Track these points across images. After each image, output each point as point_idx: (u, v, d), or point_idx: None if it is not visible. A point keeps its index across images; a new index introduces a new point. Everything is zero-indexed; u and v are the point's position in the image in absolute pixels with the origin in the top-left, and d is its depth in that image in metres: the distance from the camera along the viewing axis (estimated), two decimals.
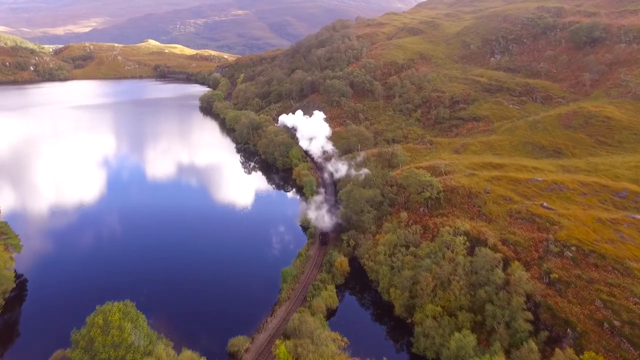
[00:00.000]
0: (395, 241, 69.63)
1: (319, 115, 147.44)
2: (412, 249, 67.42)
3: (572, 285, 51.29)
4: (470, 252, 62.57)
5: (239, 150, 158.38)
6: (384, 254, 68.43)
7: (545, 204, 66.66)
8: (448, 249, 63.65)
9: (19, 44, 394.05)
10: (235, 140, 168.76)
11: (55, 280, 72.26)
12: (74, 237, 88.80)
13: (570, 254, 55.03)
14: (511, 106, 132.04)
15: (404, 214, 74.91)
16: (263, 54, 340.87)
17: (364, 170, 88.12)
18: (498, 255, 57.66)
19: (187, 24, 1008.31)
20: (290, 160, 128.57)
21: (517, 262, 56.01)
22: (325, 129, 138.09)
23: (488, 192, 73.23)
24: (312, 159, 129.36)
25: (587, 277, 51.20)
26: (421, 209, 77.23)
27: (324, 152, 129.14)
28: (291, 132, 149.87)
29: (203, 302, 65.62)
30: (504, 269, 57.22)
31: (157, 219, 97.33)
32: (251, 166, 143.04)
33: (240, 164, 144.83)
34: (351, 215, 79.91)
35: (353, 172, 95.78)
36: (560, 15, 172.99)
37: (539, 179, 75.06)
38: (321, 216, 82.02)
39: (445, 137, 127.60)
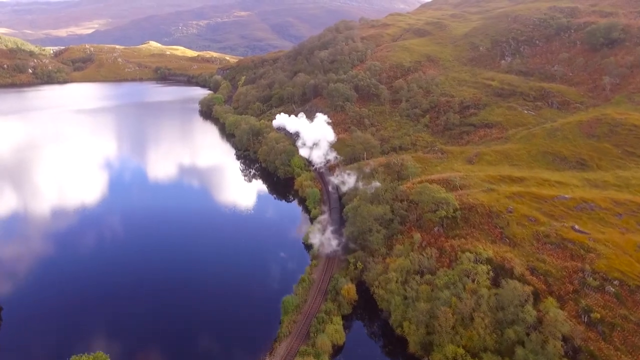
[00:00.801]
0: (408, 266, 62.71)
1: (321, 118, 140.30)
2: (427, 276, 60.50)
3: (618, 328, 44.31)
4: (494, 282, 55.68)
5: (238, 157, 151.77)
6: (396, 281, 61.52)
7: (576, 226, 59.63)
8: (468, 277, 56.76)
9: (19, 46, 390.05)
10: (235, 146, 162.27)
11: (41, 301, 66.75)
12: (61, 251, 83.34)
13: (613, 289, 48.02)
14: (525, 112, 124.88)
15: (417, 235, 67.97)
16: (265, 55, 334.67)
17: (375, 184, 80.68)
18: (528, 289, 50.66)
19: (189, 26, 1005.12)
20: (292, 169, 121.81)
21: (551, 298, 49.04)
22: (329, 134, 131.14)
23: (510, 212, 66.23)
24: (316, 168, 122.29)
25: (637, 319, 44.20)
26: (435, 229, 70.29)
27: (327, 161, 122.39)
28: (292, 138, 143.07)
29: (193, 335, 58.91)
30: (535, 303, 50.33)
31: (146, 236, 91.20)
32: (251, 174, 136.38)
33: (239, 173, 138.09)
34: (358, 234, 73.06)
35: (360, 184, 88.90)
36: (574, 16, 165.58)
37: (567, 196, 68.02)
38: (326, 239, 74.86)
39: (456, 144, 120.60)
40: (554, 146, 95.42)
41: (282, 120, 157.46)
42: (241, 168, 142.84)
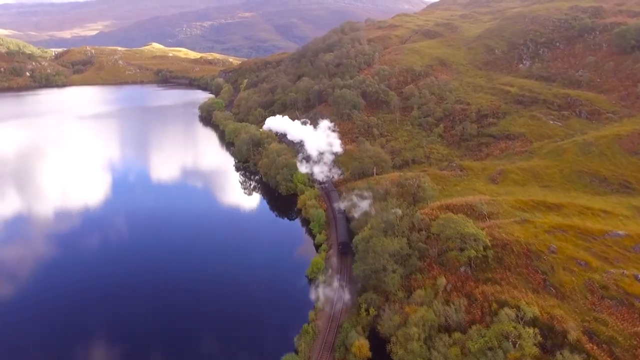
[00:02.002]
0: (433, 320, 52.14)
1: (325, 124, 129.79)
2: (456, 334, 49.87)
3: None
4: (542, 346, 45.04)
5: (237, 169, 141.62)
6: (418, 339, 50.97)
7: None
8: (508, 339, 46.10)
9: (21, 47, 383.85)
10: (234, 156, 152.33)
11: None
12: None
13: None
14: (551, 122, 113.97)
15: (441, 279, 57.32)
16: (268, 57, 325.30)
17: (395, 211, 69.51)
18: None
19: (193, 27, 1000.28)
20: (295, 185, 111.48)
21: None
22: (335, 144, 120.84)
23: (553, 252, 55.48)
24: (321, 185, 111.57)
25: None
26: (462, 269, 59.65)
27: (332, 177, 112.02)
28: (296, 148, 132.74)
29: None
30: None
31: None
32: (251, 187, 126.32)
33: (238, 186, 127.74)
34: (370, 273, 62.54)
35: (372, 210, 78.39)
36: (598, 16, 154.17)
37: (620, 232, 57.17)
38: (333, 292, 64.00)
39: (474, 157, 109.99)
40: (590, 164, 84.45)
41: (282, 124, 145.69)
42: (240, 180, 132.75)
